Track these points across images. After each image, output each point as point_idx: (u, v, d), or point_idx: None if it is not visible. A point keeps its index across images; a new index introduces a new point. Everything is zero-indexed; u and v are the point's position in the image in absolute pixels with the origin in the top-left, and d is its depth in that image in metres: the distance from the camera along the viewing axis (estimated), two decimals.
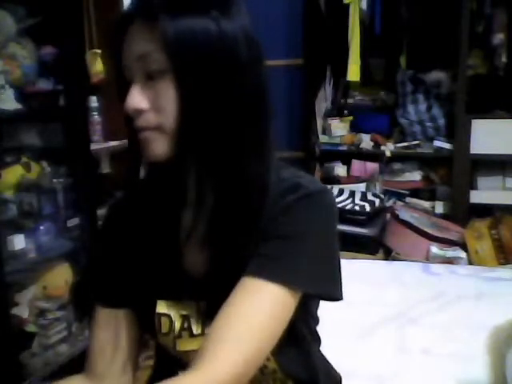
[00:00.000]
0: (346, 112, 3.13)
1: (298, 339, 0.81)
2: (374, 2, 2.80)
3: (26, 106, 1.85)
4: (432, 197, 2.94)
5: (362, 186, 2.99)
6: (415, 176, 2.99)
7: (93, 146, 2.16)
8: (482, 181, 2.82)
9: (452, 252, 2.57)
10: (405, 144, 2.95)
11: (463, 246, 2.59)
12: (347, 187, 2.92)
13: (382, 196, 2.89)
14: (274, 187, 0.73)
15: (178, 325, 0.77)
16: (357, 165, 3.08)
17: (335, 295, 0.74)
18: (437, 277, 2.06)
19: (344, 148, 3.05)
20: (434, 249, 2.58)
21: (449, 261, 2.48)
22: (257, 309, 0.68)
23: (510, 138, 2.69)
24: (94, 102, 2.33)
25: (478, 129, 2.71)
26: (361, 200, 2.79)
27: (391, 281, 2.01)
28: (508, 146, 2.69)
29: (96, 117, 2.33)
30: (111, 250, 0.83)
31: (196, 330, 0.77)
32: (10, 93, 1.80)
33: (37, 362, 1.89)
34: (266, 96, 0.72)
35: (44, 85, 1.96)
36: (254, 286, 0.68)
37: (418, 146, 2.92)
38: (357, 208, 2.70)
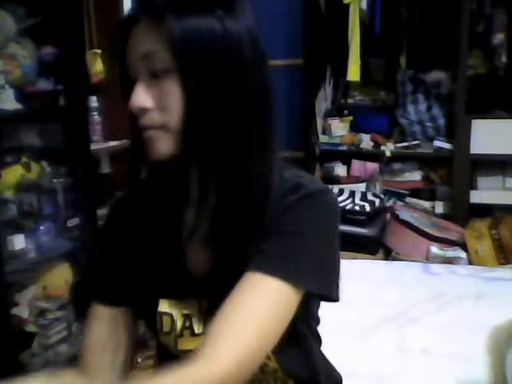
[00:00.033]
0: (346, 112, 3.13)
1: (299, 339, 0.81)
2: (374, 2, 2.80)
3: (26, 106, 1.85)
4: (432, 197, 2.94)
5: (362, 186, 2.98)
6: (415, 176, 2.99)
7: (93, 146, 2.16)
8: (482, 181, 2.82)
9: (452, 252, 2.57)
10: (405, 144, 2.95)
11: (463, 246, 2.59)
12: (347, 187, 2.92)
13: (382, 196, 2.89)
14: (277, 187, 0.73)
15: (179, 324, 0.77)
16: (357, 165, 3.08)
17: (333, 296, 0.74)
18: (437, 277, 2.06)
19: (344, 148, 3.05)
20: (434, 249, 2.58)
21: (449, 261, 2.48)
22: (259, 301, 0.68)
23: (510, 138, 2.69)
24: (94, 102, 2.33)
25: (478, 129, 2.71)
26: (361, 200, 2.78)
27: (391, 281, 2.01)
28: (508, 146, 2.69)
29: (96, 117, 2.33)
30: (113, 249, 0.83)
31: (197, 329, 0.77)
32: (9, 93, 1.80)
33: (37, 361, 1.89)
34: (269, 96, 0.72)
35: (44, 85, 1.96)
36: (255, 280, 0.68)
37: (418, 145, 2.92)
38: (357, 208, 2.70)
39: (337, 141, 3.06)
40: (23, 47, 1.89)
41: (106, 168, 2.54)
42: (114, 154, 2.47)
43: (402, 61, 2.91)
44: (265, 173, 0.72)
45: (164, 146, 0.70)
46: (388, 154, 2.92)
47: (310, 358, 0.83)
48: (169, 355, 0.81)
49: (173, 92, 0.67)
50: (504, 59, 2.66)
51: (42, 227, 1.96)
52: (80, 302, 2.01)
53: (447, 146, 2.82)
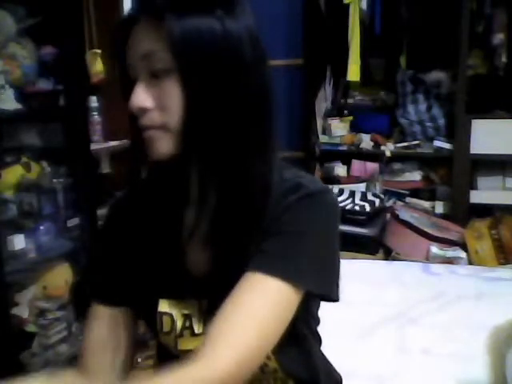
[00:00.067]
0: (346, 112, 3.13)
1: (299, 339, 0.81)
2: (374, 2, 2.80)
3: (26, 106, 1.86)
4: (432, 197, 2.94)
5: (362, 186, 2.98)
6: (415, 176, 2.99)
7: (93, 146, 2.17)
8: (482, 181, 2.82)
9: (452, 252, 2.57)
10: (405, 144, 2.95)
11: (463, 246, 2.59)
12: (347, 187, 2.92)
13: (382, 196, 2.89)
14: (277, 187, 0.73)
15: (179, 324, 0.77)
16: (357, 165, 3.08)
17: (333, 296, 0.74)
18: (437, 277, 2.06)
19: (344, 148, 3.05)
20: (434, 249, 2.58)
21: (449, 261, 2.48)
22: (259, 301, 0.68)
23: (510, 138, 2.69)
24: (94, 102, 2.33)
25: (478, 129, 2.71)
26: (361, 200, 2.78)
27: (391, 281, 2.01)
28: (508, 146, 2.69)
29: (96, 117, 2.33)
30: (113, 249, 0.83)
31: (197, 329, 0.77)
32: (9, 93, 1.80)
33: (37, 361, 1.89)
34: (270, 96, 0.72)
35: (44, 85, 1.96)
36: (256, 280, 0.68)
37: (418, 145, 2.92)
38: (357, 208, 2.70)
39: (337, 141, 3.06)
40: (23, 47, 1.89)
41: (106, 168, 2.54)
42: (114, 153, 2.47)
43: (402, 61, 2.91)
44: (265, 173, 0.72)
45: (164, 145, 0.70)
46: (388, 153, 2.92)
47: (310, 358, 0.83)
48: (169, 355, 0.80)
49: (173, 92, 0.67)
50: (504, 59, 2.66)
51: (42, 227, 1.96)
52: (80, 302, 2.01)
53: (447, 145, 2.82)
